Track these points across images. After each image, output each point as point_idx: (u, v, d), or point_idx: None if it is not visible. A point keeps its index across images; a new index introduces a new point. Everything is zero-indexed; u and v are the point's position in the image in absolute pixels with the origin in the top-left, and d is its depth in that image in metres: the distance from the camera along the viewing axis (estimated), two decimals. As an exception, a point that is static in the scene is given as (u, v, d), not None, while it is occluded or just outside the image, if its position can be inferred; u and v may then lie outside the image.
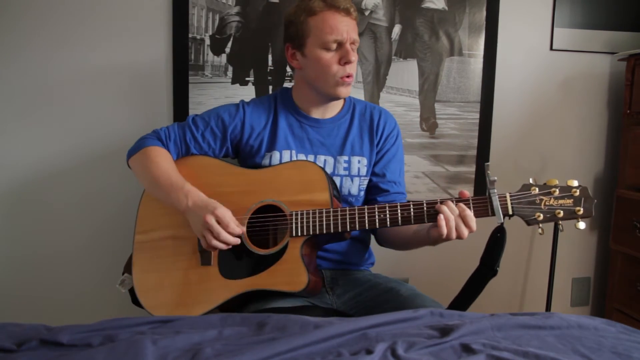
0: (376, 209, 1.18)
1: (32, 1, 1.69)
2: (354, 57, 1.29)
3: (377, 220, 1.17)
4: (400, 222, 1.17)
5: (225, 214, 1.17)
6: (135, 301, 1.32)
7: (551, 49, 2.04)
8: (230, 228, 1.17)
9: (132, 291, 1.34)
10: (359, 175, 1.38)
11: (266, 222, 1.26)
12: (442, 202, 1.14)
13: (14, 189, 1.77)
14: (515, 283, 2.16)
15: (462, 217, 1.12)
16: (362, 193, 1.40)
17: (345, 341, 0.88)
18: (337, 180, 1.36)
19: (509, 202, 1.11)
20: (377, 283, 1.34)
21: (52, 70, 1.73)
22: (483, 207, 1.13)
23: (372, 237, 1.48)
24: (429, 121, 1.99)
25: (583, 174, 2.14)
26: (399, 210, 1.17)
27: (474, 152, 2.02)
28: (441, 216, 1.11)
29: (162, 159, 1.30)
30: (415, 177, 1.99)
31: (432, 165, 2.00)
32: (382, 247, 1.46)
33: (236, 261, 1.24)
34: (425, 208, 1.15)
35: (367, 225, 1.18)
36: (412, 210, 1.16)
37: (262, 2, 1.82)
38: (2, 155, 1.75)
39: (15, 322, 0.95)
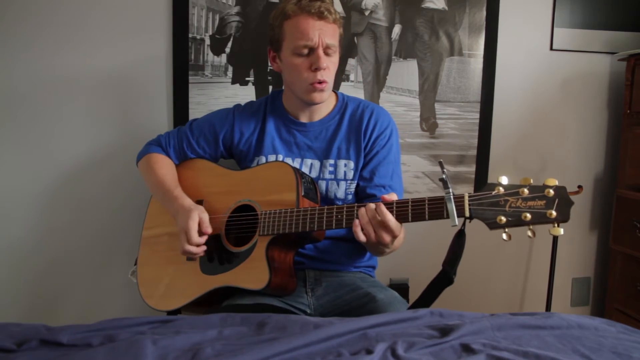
0: (334, 209, 1.15)
1: (32, 1, 1.69)
2: (325, 63, 1.26)
3: (333, 221, 1.15)
4: (344, 224, 1.14)
5: (191, 228, 1.22)
6: None
7: (551, 49, 2.04)
8: (192, 240, 1.22)
9: None
10: (345, 179, 1.36)
11: (242, 221, 1.29)
12: (358, 207, 1.11)
13: (14, 190, 1.77)
14: (515, 283, 2.16)
15: (380, 223, 1.06)
16: (350, 197, 1.38)
17: (345, 341, 0.88)
18: (322, 184, 1.36)
19: (466, 203, 0.99)
20: (358, 287, 1.32)
21: (53, 70, 1.73)
22: (438, 209, 1.03)
23: None
24: (429, 121, 1.99)
25: (583, 174, 2.14)
26: (355, 211, 1.12)
27: (474, 152, 2.02)
28: (356, 221, 1.09)
29: (160, 165, 1.41)
30: (415, 177, 1.99)
31: (432, 165, 2.00)
32: None
33: (215, 258, 1.29)
34: (344, 211, 1.14)
35: (324, 225, 1.16)
36: (344, 212, 1.14)
37: (262, 2, 1.82)
38: (5, 157, 1.75)
39: (15, 322, 0.95)
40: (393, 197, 1.10)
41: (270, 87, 1.86)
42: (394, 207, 1.08)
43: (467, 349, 0.85)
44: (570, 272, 2.19)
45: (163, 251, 1.38)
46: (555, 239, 2.00)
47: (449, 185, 1.02)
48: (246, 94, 1.85)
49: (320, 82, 1.27)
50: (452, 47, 1.96)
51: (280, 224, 1.20)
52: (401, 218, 1.07)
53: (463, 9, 1.94)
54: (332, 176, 1.36)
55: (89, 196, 1.82)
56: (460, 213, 1.00)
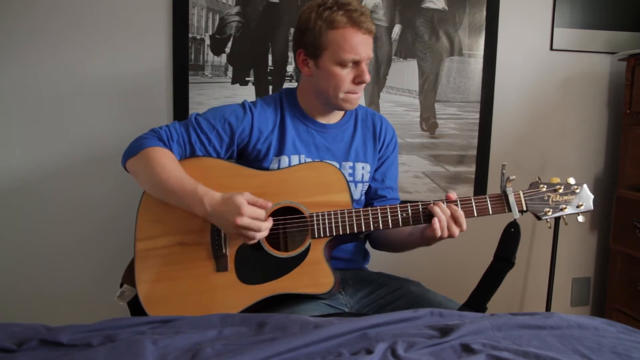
0: (395, 208, 1.21)
1: (32, 1, 1.69)
2: (368, 76, 1.26)
3: (400, 219, 1.21)
4: (411, 221, 1.22)
5: (252, 210, 1.13)
6: (138, 314, 1.24)
7: (551, 49, 2.05)
8: (262, 218, 1.15)
9: (132, 303, 1.28)
10: (362, 182, 1.38)
11: (286, 224, 1.23)
12: (434, 204, 1.19)
13: (14, 190, 1.77)
14: (515, 283, 2.16)
15: (454, 218, 1.18)
16: (363, 198, 1.42)
17: (345, 341, 0.88)
18: None
19: (522, 199, 1.20)
20: (385, 281, 1.36)
21: (53, 70, 1.73)
22: (499, 204, 1.20)
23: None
24: (429, 121, 1.99)
25: (583, 174, 2.14)
26: (420, 208, 1.21)
27: (474, 152, 2.02)
28: (435, 219, 1.17)
29: (167, 160, 1.22)
30: (415, 177, 1.99)
31: (432, 165, 2.00)
32: (377, 250, 1.47)
33: (254, 265, 1.21)
34: (421, 208, 1.22)
35: (390, 224, 1.21)
36: (420, 209, 1.22)
37: (262, 2, 1.82)
38: (3, 156, 1.75)
39: (15, 322, 0.95)
40: (453, 195, 1.21)
41: (270, 87, 1.86)
42: (458, 204, 1.21)
43: (467, 349, 0.85)
44: (570, 272, 2.19)
45: (178, 264, 1.22)
46: (555, 238, 2.00)
47: (510, 184, 1.20)
48: (246, 94, 1.85)
49: (358, 92, 1.29)
50: (452, 47, 1.96)
51: (338, 226, 1.20)
52: (467, 213, 1.20)
53: (463, 9, 1.94)
54: (351, 178, 1.37)
55: (89, 196, 1.82)
56: (519, 207, 1.20)
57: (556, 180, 1.21)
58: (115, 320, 0.97)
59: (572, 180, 1.21)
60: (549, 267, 2.02)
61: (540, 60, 2.05)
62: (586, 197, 1.21)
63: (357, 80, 1.26)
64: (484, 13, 1.96)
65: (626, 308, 1.97)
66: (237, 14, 1.81)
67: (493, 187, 2.04)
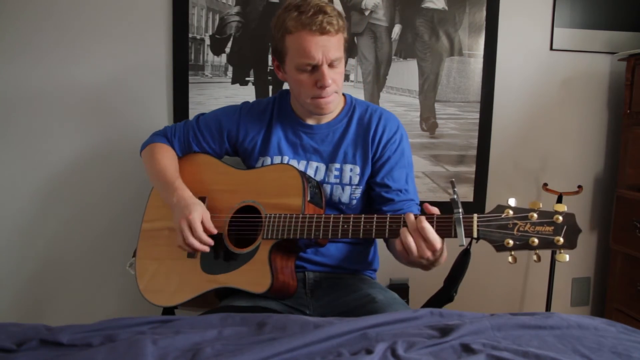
0: (341, 218, 1.15)
1: (33, 2, 1.69)
2: (329, 80, 1.22)
3: (339, 230, 1.14)
4: (361, 234, 1.12)
5: (196, 220, 1.20)
6: None
7: (551, 49, 2.04)
8: (197, 234, 1.20)
9: None
10: (350, 184, 1.34)
11: (245, 223, 1.28)
12: (365, 218, 1.11)
13: (14, 191, 1.77)
14: (515, 283, 2.16)
15: (419, 230, 1.03)
16: (355, 202, 1.36)
17: (345, 341, 0.88)
18: (327, 187, 1.34)
19: (475, 224, 0.99)
20: (359, 288, 1.31)
21: (53, 70, 1.74)
22: (446, 228, 1.03)
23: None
24: (429, 121, 1.99)
25: (583, 174, 2.14)
26: (361, 222, 1.12)
27: (474, 152, 2.02)
28: (404, 229, 1.05)
29: (163, 155, 1.38)
30: (415, 177, 1.97)
31: (432, 165, 2.00)
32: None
33: (216, 257, 1.28)
34: (387, 221, 1.10)
35: (330, 234, 1.15)
36: (374, 223, 1.11)
37: (262, 2, 1.82)
38: (4, 157, 1.75)
39: (15, 322, 0.95)
40: (431, 210, 1.07)
41: (270, 87, 1.86)
42: (402, 222, 1.07)
43: (467, 349, 0.85)
44: (570, 272, 2.19)
45: (163, 245, 1.35)
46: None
47: (459, 206, 1.01)
48: (246, 94, 1.85)
49: (325, 97, 1.26)
50: (452, 47, 1.96)
51: (285, 229, 1.19)
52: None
53: (463, 8, 1.94)
54: (338, 180, 1.34)
55: (89, 196, 1.82)
56: (469, 233, 1.00)
57: (537, 205, 0.96)
58: (115, 320, 0.97)
59: (562, 208, 0.94)
60: (549, 267, 2.02)
61: (540, 60, 2.05)
62: (569, 231, 0.92)
63: (319, 85, 1.23)
64: (484, 13, 1.96)
65: (626, 308, 1.97)
66: (237, 14, 1.81)
67: (493, 187, 2.04)
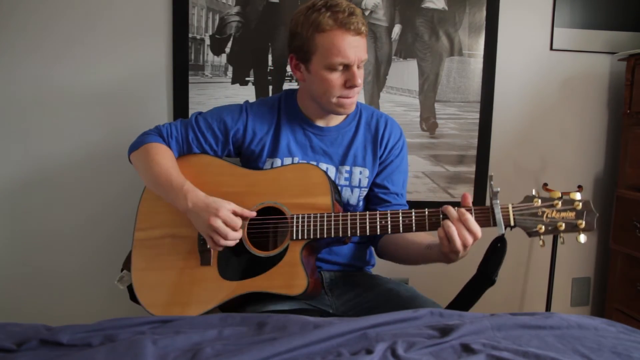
0: (377, 215, 1.16)
1: (35, 4, 1.69)
2: (360, 80, 1.23)
3: (377, 227, 1.16)
4: (401, 229, 1.15)
5: (228, 215, 1.16)
6: (133, 298, 1.31)
7: (551, 49, 2.04)
8: (237, 227, 1.17)
9: (130, 288, 1.33)
10: (359, 187, 1.36)
11: (267, 224, 1.24)
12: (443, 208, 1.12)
13: (13, 190, 1.77)
14: (515, 283, 2.16)
15: (463, 222, 1.09)
16: (361, 203, 1.38)
17: (345, 341, 0.88)
18: None
19: (511, 213, 1.09)
20: (377, 284, 1.34)
21: (53, 70, 1.74)
22: (485, 217, 1.11)
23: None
24: (429, 121, 1.99)
25: (583, 174, 2.14)
26: (400, 217, 1.15)
27: (474, 152, 2.02)
28: (447, 221, 1.09)
29: (162, 156, 1.28)
30: (415, 177, 1.99)
31: (432, 165, 2.00)
32: (382, 259, 1.43)
33: (235, 262, 1.23)
34: (427, 215, 1.14)
35: (367, 231, 1.16)
36: (413, 217, 1.15)
37: (262, 2, 1.82)
38: (4, 155, 1.75)
39: (15, 322, 0.95)
40: (468, 200, 1.14)
41: (270, 87, 1.86)
42: (425, 216, 1.12)
43: (467, 349, 0.85)
44: (570, 272, 2.19)
45: (166, 254, 1.27)
46: (555, 238, 2.00)
47: (497, 197, 1.10)
48: (246, 94, 1.85)
49: (351, 97, 1.26)
50: (452, 47, 1.96)
51: (317, 229, 1.18)
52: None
53: (463, 8, 1.94)
54: (347, 182, 1.35)
55: (88, 196, 1.82)
56: (507, 222, 1.09)
57: (556, 194, 1.09)
58: (115, 320, 0.97)
59: (577, 196, 1.08)
60: (549, 267, 2.02)
61: (540, 60, 2.05)
62: (589, 215, 1.07)
63: (348, 85, 1.24)
64: (484, 13, 1.96)
65: (626, 308, 1.97)
66: (237, 14, 1.81)
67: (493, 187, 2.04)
